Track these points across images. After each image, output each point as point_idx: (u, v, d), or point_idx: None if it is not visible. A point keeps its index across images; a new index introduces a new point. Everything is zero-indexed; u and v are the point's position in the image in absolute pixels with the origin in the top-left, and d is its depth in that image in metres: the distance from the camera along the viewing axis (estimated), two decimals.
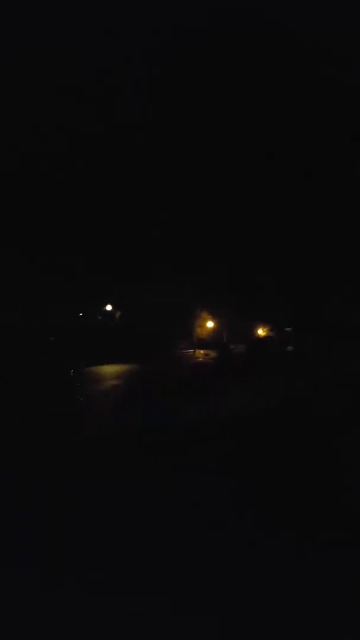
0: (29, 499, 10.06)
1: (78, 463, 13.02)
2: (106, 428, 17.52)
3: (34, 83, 39.09)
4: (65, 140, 39.95)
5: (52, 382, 19.15)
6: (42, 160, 39.74)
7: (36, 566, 7.48)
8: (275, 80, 41.57)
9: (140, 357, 37.88)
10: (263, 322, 51.87)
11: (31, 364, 21.52)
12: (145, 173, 42.91)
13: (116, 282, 44.99)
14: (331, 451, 13.91)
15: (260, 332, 52.76)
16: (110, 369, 34.72)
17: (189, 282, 44.52)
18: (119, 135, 41.99)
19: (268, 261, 43.90)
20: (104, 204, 42.88)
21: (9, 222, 39.59)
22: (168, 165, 42.75)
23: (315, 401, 23.29)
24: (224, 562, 7.61)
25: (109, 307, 49.00)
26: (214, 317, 50.88)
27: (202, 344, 48.34)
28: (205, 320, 51.29)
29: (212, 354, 46.20)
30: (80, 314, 47.53)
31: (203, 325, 51.35)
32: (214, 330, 51.57)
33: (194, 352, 47.47)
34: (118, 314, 49.07)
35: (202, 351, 47.33)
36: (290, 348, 48.79)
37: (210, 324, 51.41)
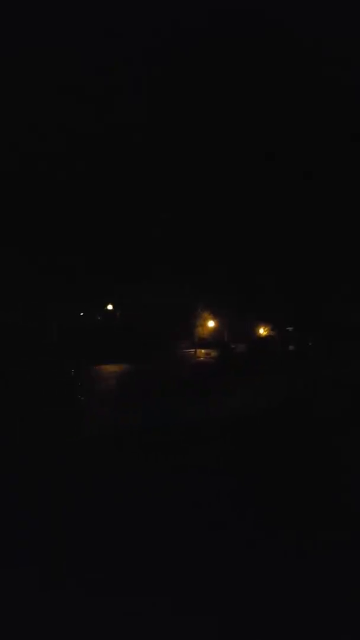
0: (29, 499, 10.06)
1: (78, 463, 13.02)
2: (106, 428, 17.51)
3: (34, 83, 39.09)
4: (65, 140, 39.95)
5: (52, 382, 19.15)
6: (42, 160, 39.73)
7: (36, 566, 7.48)
8: (275, 80, 41.56)
9: (141, 357, 37.87)
10: (264, 321, 51.85)
11: (31, 364, 21.52)
12: (145, 173, 42.90)
13: (116, 282, 44.97)
14: (331, 451, 13.91)
15: (262, 331, 52.74)
16: (110, 369, 34.72)
17: (189, 282, 44.50)
18: (119, 135, 41.98)
19: (268, 261, 43.89)
20: (104, 204, 42.87)
21: (9, 222, 39.59)
22: (168, 165, 42.74)
23: (316, 401, 23.28)
24: (224, 562, 7.61)
25: (109, 307, 49.01)
26: (215, 316, 50.87)
27: (203, 343, 48.31)
28: (206, 320, 51.27)
29: (213, 353, 46.17)
30: (81, 314, 47.53)
31: (204, 325, 51.33)
32: (215, 329, 51.55)
33: (195, 351, 47.44)
34: (118, 313, 49.07)
35: (203, 350, 47.30)
36: (291, 347, 48.77)
37: (211, 324, 51.40)
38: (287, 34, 38.52)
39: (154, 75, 41.12)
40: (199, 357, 46.34)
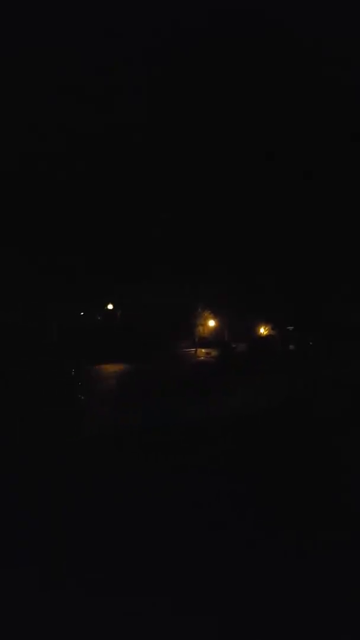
0: (29, 499, 10.06)
1: (78, 463, 13.02)
2: (106, 428, 17.51)
3: (34, 83, 39.09)
4: (65, 140, 39.94)
5: (52, 382, 19.14)
6: (42, 160, 39.73)
7: (36, 566, 7.47)
8: (276, 80, 41.55)
9: (141, 357, 37.84)
10: (264, 320, 51.83)
11: (31, 364, 21.51)
12: (145, 173, 42.89)
13: (116, 282, 44.95)
14: (331, 451, 13.90)
15: (262, 330, 52.73)
16: (110, 368, 34.70)
17: (189, 282, 44.49)
18: (119, 135, 41.97)
19: (268, 261, 43.87)
20: (104, 204, 42.86)
21: (9, 222, 39.58)
22: (168, 165, 42.73)
23: (316, 401, 23.28)
24: (224, 562, 7.60)
25: (110, 306, 48.98)
26: (215, 316, 50.85)
27: (204, 342, 48.27)
28: (207, 319, 51.26)
29: (214, 352, 46.13)
30: (82, 314, 47.51)
31: (204, 324, 51.32)
32: (215, 329, 51.53)
33: (196, 351, 47.40)
34: (119, 312, 49.06)
35: (203, 350, 47.25)
36: (291, 347, 48.74)
37: (211, 323, 51.38)
38: (287, 34, 38.51)
39: (154, 75, 41.11)
40: (200, 356, 46.29)
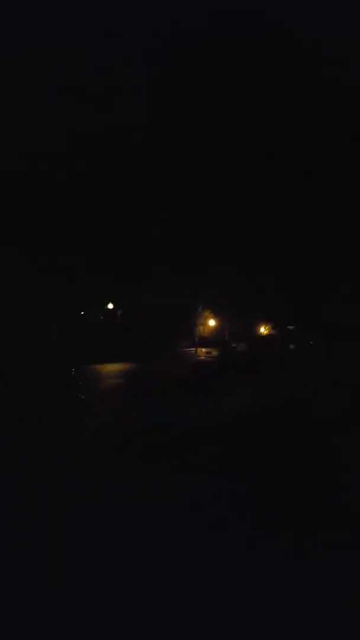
0: (29, 499, 10.06)
1: (78, 463, 13.02)
2: (106, 428, 17.51)
3: (34, 83, 39.10)
4: (65, 140, 39.96)
5: (52, 382, 19.14)
6: (42, 160, 39.75)
7: (36, 566, 7.48)
8: (276, 80, 41.56)
9: (141, 357, 37.85)
10: (265, 320, 51.85)
11: (31, 364, 21.52)
12: (145, 173, 42.90)
13: (116, 282, 44.99)
14: (331, 451, 13.90)
15: (262, 330, 52.75)
16: (111, 368, 34.71)
17: (189, 282, 44.52)
18: (119, 135, 41.98)
19: (268, 261, 43.89)
20: (104, 204, 42.87)
21: (9, 222, 39.60)
22: (168, 165, 42.74)
23: (316, 401, 23.28)
24: (224, 562, 7.60)
25: (110, 306, 49.00)
26: (215, 315, 50.88)
27: (204, 342, 48.29)
28: (207, 319, 51.28)
29: (214, 352, 46.15)
30: (82, 313, 47.53)
31: (205, 324, 51.34)
32: (215, 328, 51.56)
33: (196, 350, 47.41)
34: (119, 312, 49.08)
35: (203, 349, 47.27)
36: (292, 347, 48.76)
37: (212, 323, 51.40)
38: (287, 34, 38.52)
39: (154, 75, 41.13)
40: (200, 356, 46.31)
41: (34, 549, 8.03)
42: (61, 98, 40.36)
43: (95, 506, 9.75)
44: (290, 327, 51.53)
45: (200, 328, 50.85)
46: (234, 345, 48.37)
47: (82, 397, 19.67)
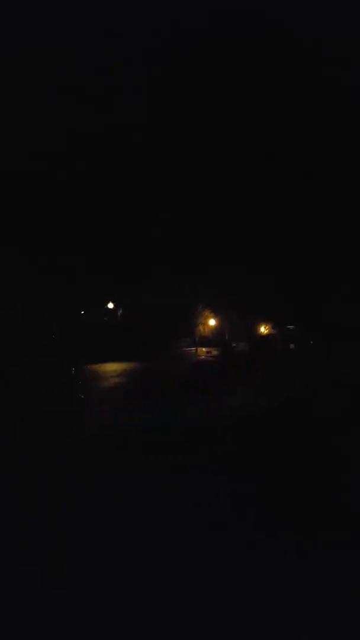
0: (29, 499, 10.06)
1: (78, 463, 13.03)
2: (106, 428, 17.52)
3: (34, 83, 39.11)
4: (65, 140, 39.98)
5: (52, 381, 19.14)
6: (42, 160, 39.77)
7: (36, 566, 7.48)
8: (276, 80, 41.57)
9: (141, 356, 37.88)
10: (265, 319, 51.94)
11: (31, 364, 21.52)
12: (145, 173, 42.92)
13: (116, 282, 45.05)
14: (331, 451, 13.91)
15: (263, 329, 52.82)
16: (111, 368, 34.72)
17: (189, 282, 44.57)
18: (119, 135, 42.00)
19: (268, 261, 43.92)
20: (104, 204, 42.89)
21: (9, 222, 39.62)
22: (168, 165, 42.76)
23: (316, 401, 23.29)
24: (224, 562, 7.61)
25: (110, 305, 49.03)
26: (215, 315, 50.96)
27: (204, 341, 48.36)
28: (207, 319, 51.35)
29: (215, 351, 46.20)
30: (82, 312, 47.57)
31: (205, 323, 51.42)
32: (216, 328, 51.65)
33: (196, 350, 47.46)
34: (120, 311, 49.13)
35: (204, 349, 47.33)
36: (292, 346, 48.85)
37: (212, 322, 51.47)
38: (287, 34, 38.54)
39: (154, 75, 41.16)
40: (200, 355, 46.34)
41: (34, 549, 8.03)
42: (61, 98, 40.39)
43: (95, 506, 9.75)
44: (290, 327, 51.61)
45: (201, 328, 50.93)
46: (234, 345, 48.43)
47: (82, 396, 19.64)
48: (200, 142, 42.73)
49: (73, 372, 21.28)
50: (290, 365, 39.17)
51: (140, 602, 6.69)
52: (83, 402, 19.27)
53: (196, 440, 15.85)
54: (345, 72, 40.54)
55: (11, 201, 39.74)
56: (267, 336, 52.13)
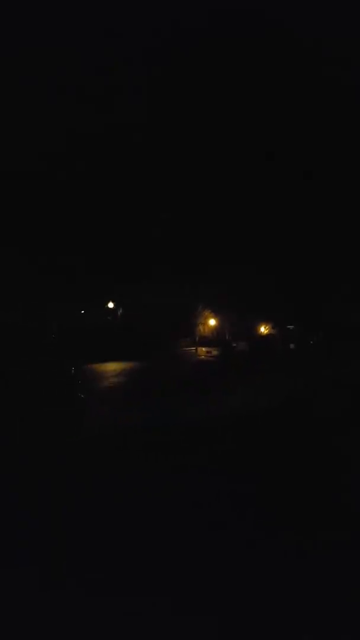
0: (29, 499, 10.07)
1: (78, 463, 13.03)
2: (106, 428, 17.52)
3: (34, 83, 39.11)
4: (65, 140, 39.98)
5: (52, 381, 19.14)
6: (42, 160, 39.77)
7: (36, 566, 7.48)
8: (276, 80, 41.57)
9: (141, 356, 37.88)
10: (265, 319, 51.94)
11: (31, 364, 21.52)
12: (145, 173, 42.92)
13: (116, 282, 45.05)
14: (331, 451, 13.92)
15: (263, 329, 52.83)
16: (111, 367, 34.72)
17: (189, 282, 44.57)
18: (119, 135, 42.00)
19: (268, 261, 43.92)
20: (104, 204, 42.89)
21: (10, 222, 39.62)
22: (168, 165, 42.76)
23: (316, 401, 23.30)
24: (224, 562, 7.62)
25: (110, 305, 49.03)
26: (215, 315, 50.96)
27: (204, 341, 48.33)
28: (207, 319, 51.35)
29: (215, 351, 46.17)
30: (82, 311, 47.57)
31: (205, 323, 51.41)
32: (216, 327, 51.65)
33: (196, 350, 47.44)
34: (120, 311, 49.13)
35: (204, 349, 47.29)
36: (292, 346, 48.85)
37: (212, 322, 51.47)
38: (287, 34, 38.54)
39: (154, 75, 41.15)
40: (200, 355, 46.31)
41: (34, 549, 8.04)
42: (61, 98, 40.38)
43: (95, 506, 9.75)
44: (290, 327, 51.62)
45: (201, 328, 50.92)
46: (234, 344, 48.41)
47: (82, 396, 19.63)
48: (200, 142, 42.74)
49: (73, 371, 21.28)
50: (290, 365, 39.17)
51: (140, 602, 6.69)
52: (83, 401, 19.27)
53: (196, 440, 15.84)
54: (345, 72, 40.54)
55: (11, 201, 39.74)
56: (267, 336, 52.13)
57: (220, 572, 7.43)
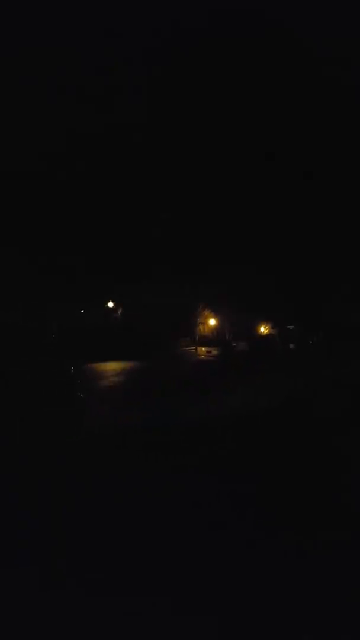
0: (29, 499, 10.07)
1: (78, 463, 13.03)
2: (106, 427, 17.51)
3: (34, 83, 39.11)
4: (65, 140, 39.99)
5: (52, 381, 19.13)
6: (42, 160, 39.78)
7: (36, 566, 7.48)
8: (276, 80, 41.57)
9: (141, 356, 37.88)
10: (265, 319, 51.96)
11: (31, 364, 21.52)
12: (145, 173, 42.92)
13: (116, 282, 45.08)
14: (331, 451, 13.92)
15: (262, 329, 52.85)
16: (111, 367, 34.70)
17: (189, 282, 44.59)
18: (119, 135, 42.00)
19: (268, 261, 43.94)
20: (104, 204, 42.90)
21: (10, 222, 39.63)
22: (168, 165, 42.77)
23: (316, 401, 23.30)
24: (224, 562, 7.61)
25: (110, 304, 49.04)
26: (215, 315, 50.98)
27: (204, 341, 48.33)
28: (207, 318, 51.37)
29: (215, 351, 46.17)
30: (82, 311, 47.59)
31: (205, 323, 51.44)
32: (216, 327, 51.67)
33: (196, 349, 47.44)
34: (120, 310, 49.15)
35: (204, 349, 47.28)
36: (292, 346, 48.87)
37: (212, 322, 51.49)
38: (287, 34, 38.55)
39: (154, 75, 41.17)
40: (200, 355, 46.30)
41: (34, 549, 8.04)
42: (61, 98, 40.40)
43: (95, 506, 9.75)
44: (290, 327, 51.65)
45: (201, 327, 50.95)
46: (234, 344, 48.42)
47: (82, 395, 19.62)
48: (200, 142, 42.75)
49: (72, 371, 21.27)
50: (290, 365, 39.16)
51: (140, 602, 6.69)
52: (83, 401, 19.26)
53: (196, 440, 15.84)
54: (345, 72, 40.57)
55: (11, 201, 39.76)
56: (267, 336, 52.14)
57: (220, 572, 7.42)
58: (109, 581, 7.16)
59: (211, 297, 47.97)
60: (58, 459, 13.03)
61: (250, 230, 44.31)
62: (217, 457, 13.59)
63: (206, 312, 51.08)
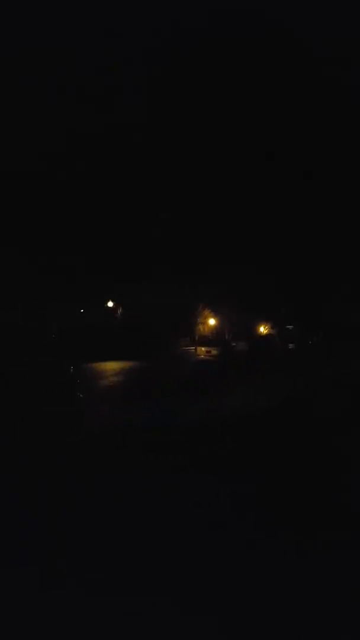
0: (29, 499, 10.06)
1: (78, 463, 13.02)
2: (106, 428, 17.51)
3: (34, 83, 39.12)
4: (65, 140, 40.00)
5: (53, 381, 19.11)
6: (42, 160, 39.79)
7: (36, 566, 7.48)
8: (276, 80, 41.58)
9: (141, 356, 37.88)
10: (265, 319, 52.00)
11: (31, 364, 21.51)
12: (145, 173, 42.93)
13: (116, 282, 45.10)
14: (331, 451, 13.92)
15: (262, 329, 52.86)
16: (111, 367, 34.70)
17: (189, 282, 44.61)
18: (119, 135, 42.00)
19: (268, 261, 43.95)
20: (104, 204, 42.91)
21: (10, 222, 39.63)
22: (168, 165, 42.78)
23: (316, 401, 23.30)
24: (224, 562, 7.61)
25: (110, 304, 49.05)
26: (215, 314, 51.00)
27: (204, 341, 48.30)
28: (207, 318, 51.37)
29: (214, 351, 46.15)
30: (82, 311, 47.61)
31: (205, 323, 51.43)
32: (216, 327, 51.68)
33: (196, 349, 47.41)
34: (120, 310, 49.17)
35: (203, 349, 47.22)
36: (291, 346, 48.87)
37: (212, 322, 51.48)
38: (287, 34, 38.56)
39: (154, 75, 41.18)
40: (200, 355, 46.27)
41: (34, 549, 8.03)
42: (61, 98, 40.43)
43: (95, 506, 9.75)
44: (290, 327, 51.67)
45: (201, 327, 50.97)
46: (234, 344, 48.40)
47: (81, 395, 19.60)
48: (200, 142, 42.75)
49: (72, 370, 21.24)
50: (290, 365, 39.17)
51: (140, 602, 6.69)
52: (82, 401, 19.24)
53: (196, 440, 15.84)
54: (345, 72, 40.61)
55: (11, 201, 39.76)
56: (267, 336, 52.15)
57: (220, 572, 7.42)
58: (109, 581, 7.15)
59: (211, 297, 47.99)
60: (58, 459, 13.03)
61: (250, 230, 44.33)
62: (217, 457, 13.59)
63: (206, 312, 51.09)
